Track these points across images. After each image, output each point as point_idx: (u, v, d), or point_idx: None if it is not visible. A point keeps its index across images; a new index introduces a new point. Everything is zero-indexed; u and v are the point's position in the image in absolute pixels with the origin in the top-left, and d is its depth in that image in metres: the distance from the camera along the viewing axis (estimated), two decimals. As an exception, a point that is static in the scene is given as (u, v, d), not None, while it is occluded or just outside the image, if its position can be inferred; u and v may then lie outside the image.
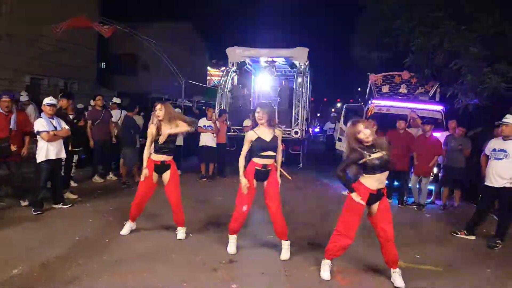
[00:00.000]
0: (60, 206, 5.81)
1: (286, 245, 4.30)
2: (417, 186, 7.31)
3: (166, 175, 4.63)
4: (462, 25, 7.44)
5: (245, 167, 4.26)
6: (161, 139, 4.49)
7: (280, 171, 4.45)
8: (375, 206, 3.72)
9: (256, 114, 4.18)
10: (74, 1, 18.12)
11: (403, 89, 9.02)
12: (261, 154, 4.16)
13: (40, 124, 5.46)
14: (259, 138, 4.15)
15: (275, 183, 4.22)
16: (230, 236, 4.42)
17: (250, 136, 4.20)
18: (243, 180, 4.14)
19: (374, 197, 3.67)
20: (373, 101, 8.79)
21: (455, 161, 7.18)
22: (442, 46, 7.66)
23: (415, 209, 7.15)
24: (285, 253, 4.27)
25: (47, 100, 5.58)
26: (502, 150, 5.18)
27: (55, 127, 5.58)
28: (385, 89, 9.09)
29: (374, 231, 3.80)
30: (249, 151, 4.26)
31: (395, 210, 6.46)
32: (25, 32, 14.02)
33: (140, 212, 4.84)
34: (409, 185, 7.55)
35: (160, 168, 4.60)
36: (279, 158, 4.37)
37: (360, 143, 3.59)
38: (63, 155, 5.74)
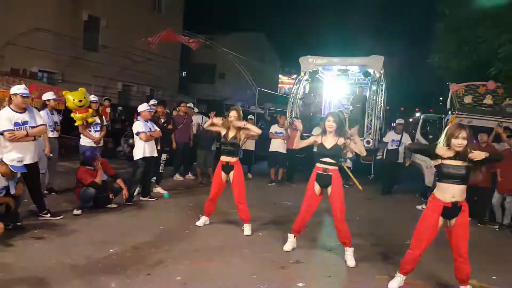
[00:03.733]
0: (147, 199, 6.50)
1: (350, 251, 4.37)
2: (500, 204, 6.81)
3: (232, 175, 5.11)
4: None
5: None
6: (229, 136, 5.06)
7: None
8: (453, 221, 3.60)
9: (327, 123, 4.37)
10: (161, 16, 19.92)
11: (488, 100, 8.41)
12: (321, 159, 4.39)
13: (139, 126, 6.23)
14: (321, 144, 4.39)
15: (339, 190, 4.35)
16: (289, 235, 4.67)
17: (316, 137, 4.48)
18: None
19: (449, 210, 3.54)
20: (454, 112, 8.37)
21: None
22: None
23: (497, 229, 6.66)
24: (351, 260, 4.32)
25: (146, 106, 6.44)
26: None
27: (150, 129, 6.31)
28: (468, 99, 8.57)
29: (446, 245, 3.70)
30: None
31: (474, 228, 6.09)
32: (119, 44, 15.67)
33: (213, 208, 5.34)
34: (492, 203, 7.07)
35: (226, 168, 5.10)
36: None
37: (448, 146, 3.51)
38: (155, 154, 6.50)
